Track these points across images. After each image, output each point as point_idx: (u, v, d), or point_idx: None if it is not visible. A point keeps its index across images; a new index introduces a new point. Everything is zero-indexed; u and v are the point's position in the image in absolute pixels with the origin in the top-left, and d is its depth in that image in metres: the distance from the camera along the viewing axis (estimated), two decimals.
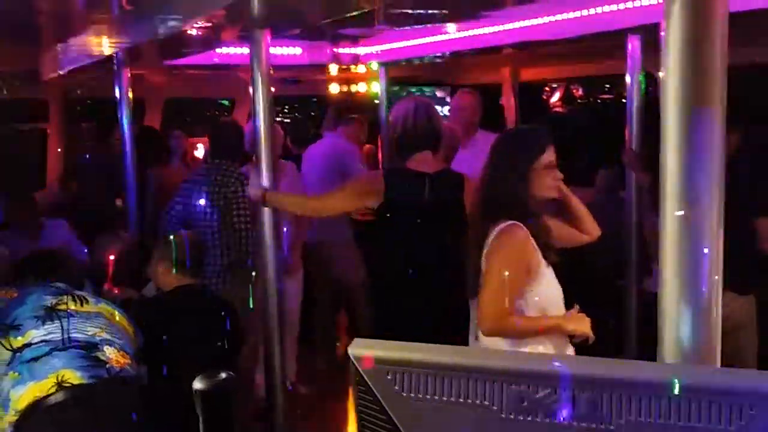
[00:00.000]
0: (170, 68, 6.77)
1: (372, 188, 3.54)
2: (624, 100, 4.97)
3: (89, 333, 2.75)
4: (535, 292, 2.78)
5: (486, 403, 1.07)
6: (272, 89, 3.68)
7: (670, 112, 1.45)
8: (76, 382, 2.58)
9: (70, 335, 2.70)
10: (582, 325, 2.76)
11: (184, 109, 9.73)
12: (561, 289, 2.85)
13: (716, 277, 1.47)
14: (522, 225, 2.76)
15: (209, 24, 4.06)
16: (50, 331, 2.70)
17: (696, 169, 1.44)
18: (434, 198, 3.53)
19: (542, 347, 2.78)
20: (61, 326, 2.72)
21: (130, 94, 5.48)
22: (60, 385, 2.55)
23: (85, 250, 5.05)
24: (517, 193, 2.81)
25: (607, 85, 9.01)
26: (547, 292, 2.82)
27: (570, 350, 2.85)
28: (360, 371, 1.14)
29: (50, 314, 2.74)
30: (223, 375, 1.55)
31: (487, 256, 2.78)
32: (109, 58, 5.28)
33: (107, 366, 2.67)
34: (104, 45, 4.88)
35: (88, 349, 2.69)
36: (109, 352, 2.72)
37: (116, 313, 2.93)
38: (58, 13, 4.17)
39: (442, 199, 3.55)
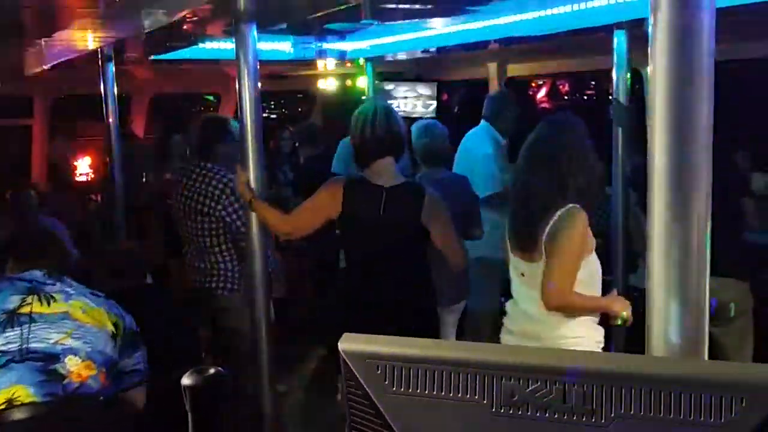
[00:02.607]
0: (157, 64, 6.73)
1: (333, 200, 3.51)
2: (610, 96, 4.98)
3: (51, 341, 2.59)
4: (587, 269, 2.97)
5: (476, 397, 1.07)
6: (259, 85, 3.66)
7: (658, 108, 1.45)
8: (27, 400, 2.43)
9: (29, 345, 2.55)
10: (625, 307, 3.00)
11: (171, 106, 9.68)
12: (601, 270, 3.06)
13: (704, 271, 1.47)
14: (580, 208, 2.94)
15: (195, 18, 4.03)
16: (9, 340, 2.56)
17: (684, 164, 1.44)
18: (388, 213, 3.48)
19: (583, 329, 2.99)
20: (21, 334, 2.57)
21: (116, 90, 5.45)
22: (10, 403, 2.41)
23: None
24: (576, 177, 2.96)
25: (593, 82, 9.05)
26: (592, 271, 3.01)
27: (600, 332, 3.05)
28: (350, 366, 1.14)
29: (11, 319, 2.60)
30: (212, 370, 1.55)
31: (553, 237, 2.93)
32: (94, 53, 5.24)
33: (64, 382, 2.52)
34: (89, 40, 4.84)
35: (47, 361, 2.54)
36: (71, 364, 2.56)
37: (91, 308, 2.75)
38: (42, 8, 4.13)
39: (396, 214, 3.50)
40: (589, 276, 2.98)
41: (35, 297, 2.70)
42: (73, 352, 2.59)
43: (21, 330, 2.58)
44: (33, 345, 2.56)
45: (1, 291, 2.72)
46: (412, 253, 3.59)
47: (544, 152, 3.03)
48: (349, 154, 5.54)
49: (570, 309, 2.97)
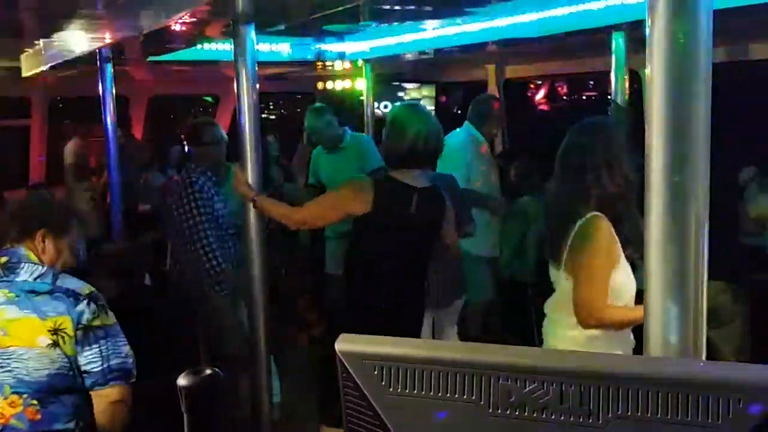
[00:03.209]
0: (155, 65, 6.73)
1: (360, 197, 3.49)
2: (609, 97, 4.99)
3: None
4: (613, 280, 2.81)
5: (473, 397, 1.07)
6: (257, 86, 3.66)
7: (655, 109, 1.45)
8: None
9: None
10: None
11: (169, 107, 9.68)
12: (635, 282, 2.86)
13: (702, 272, 1.47)
14: (602, 215, 2.79)
15: (194, 19, 4.04)
16: None
17: (681, 166, 1.45)
18: (420, 212, 3.52)
19: (617, 341, 2.83)
20: None
21: (114, 91, 5.46)
22: None
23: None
24: (605, 185, 2.80)
25: (590, 82, 9.05)
26: (622, 280, 2.83)
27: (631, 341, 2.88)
28: (346, 366, 1.14)
29: None
30: (208, 371, 1.54)
31: (576, 250, 2.81)
32: (93, 54, 5.24)
33: None
34: (87, 41, 4.84)
35: None
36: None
37: (15, 321, 2.35)
38: (40, 9, 4.13)
39: (426, 214, 3.55)
40: (616, 287, 2.81)
41: None
42: (1, 385, 2.29)
43: None
44: None
45: None
46: (431, 251, 3.67)
47: (573, 159, 2.89)
48: (319, 164, 5.61)
49: (608, 324, 2.81)
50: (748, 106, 5.55)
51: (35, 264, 2.52)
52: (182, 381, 1.55)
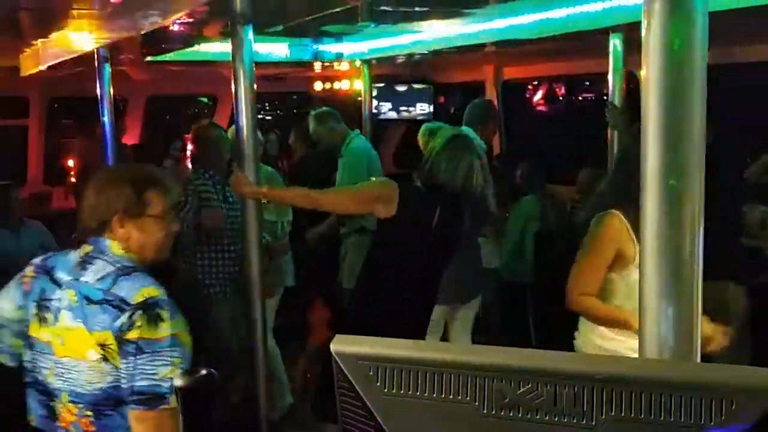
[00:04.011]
0: (153, 65, 6.73)
1: (386, 197, 3.52)
2: (605, 99, 5.00)
3: (45, 373, 2.24)
4: (624, 280, 2.87)
5: (468, 398, 1.07)
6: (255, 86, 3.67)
7: (651, 111, 1.46)
8: None
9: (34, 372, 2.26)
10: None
11: (166, 107, 9.68)
12: None
13: (697, 274, 1.48)
14: (619, 213, 2.85)
15: (192, 20, 4.04)
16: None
17: (677, 167, 1.45)
18: (442, 220, 3.58)
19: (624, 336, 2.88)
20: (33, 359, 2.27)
21: (111, 91, 5.45)
22: None
23: None
24: (622, 184, 2.84)
25: (587, 83, 9.06)
26: (634, 283, 2.84)
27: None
28: (342, 367, 1.14)
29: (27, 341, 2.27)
30: (204, 371, 1.54)
31: (585, 239, 2.96)
32: (91, 54, 5.24)
33: (57, 423, 2.23)
34: (85, 41, 4.84)
35: (51, 396, 2.24)
36: (59, 406, 2.23)
37: (71, 331, 2.18)
38: (39, 9, 4.13)
39: (448, 222, 3.60)
40: (628, 287, 2.84)
41: (37, 309, 2.27)
42: (60, 391, 2.21)
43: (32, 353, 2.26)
44: (41, 376, 2.25)
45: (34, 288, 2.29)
46: (448, 259, 3.76)
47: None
48: (358, 161, 5.62)
49: (582, 313, 2.96)
50: (754, 109, 5.57)
51: (112, 257, 2.25)
52: (178, 381, 1.55)
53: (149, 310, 2.13)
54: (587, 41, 4.94)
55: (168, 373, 2.09)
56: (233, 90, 3.61)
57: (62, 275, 2.26)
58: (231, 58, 3.60)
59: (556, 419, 1.03)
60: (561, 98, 8.79)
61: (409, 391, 1.10)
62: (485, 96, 7.54)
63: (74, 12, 4.06)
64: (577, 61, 6.58)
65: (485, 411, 1.06)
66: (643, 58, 1.47)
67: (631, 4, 4.00)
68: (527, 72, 7.70)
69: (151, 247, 2.32)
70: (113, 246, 2.27)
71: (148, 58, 6.31)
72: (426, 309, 3.75)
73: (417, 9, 4.50)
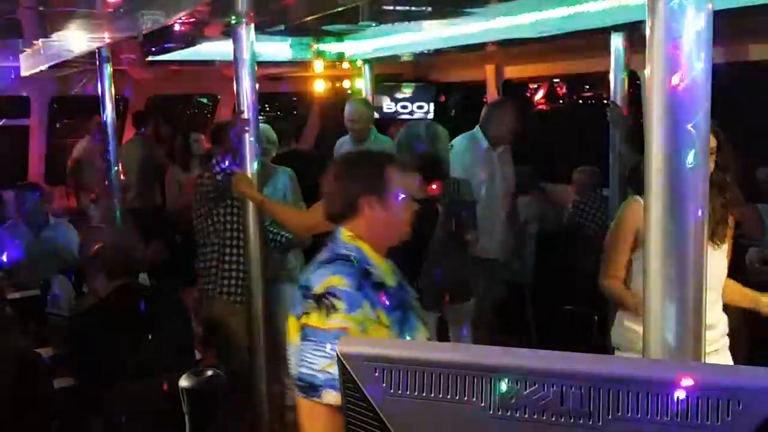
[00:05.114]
0: (154, 65, 6.72)
1: None
2: (605, 99, 4.99)
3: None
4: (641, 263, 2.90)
5: (474, 399, 1.07)
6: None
7: (655, 111, 1.45)
8: None
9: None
10: None
11: (168, 107, 9.65)
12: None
13: (701, 274, 1.48)
14: (640, 199, 2.89)
15: (193, 19, 4.03)
16: None
17: (681, 169, 1.45)
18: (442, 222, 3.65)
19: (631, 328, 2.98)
20: None
21: (113, 91, 5.44)
22: None
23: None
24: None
25: (587, 85, 9.05)
26: None
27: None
28: (347, 368, 1.14)
29: None
30: (209, 372, 1.55)
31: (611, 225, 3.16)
32: (92, 54, 5.23)
33: None
34: (87, 41, 4.84)
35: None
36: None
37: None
38: (39, 8, 4.13)
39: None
40: None
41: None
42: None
43: None
44: None
45: None
46: (420, 259, 3.76)
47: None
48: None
49: (607, 296, 3.11)
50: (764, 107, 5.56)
51: (336, 244, 2.26)
52: (184, 382, 1.55)
53: (324, 299, 2.11)
54: (589, 40, 4.94)
55: (326, 366, 2.02)
56: (235, 90, 3.62)
57: None
58: (233, 58, 3.60)
59: (563, 419, 1.03)
60: (562, 97, 8.78)
61: (414, 391, 1.10)
62: (485, 96, 7.53)
63: (76, 12, 4.06)
64: (578, 60, 6.57)
65: (491, 411, 1.06)
66: (647, 57, 1.46)
67: (632, 4, 3.99)
68: (528, 71, 7.68)
69: (396, 225, 2.32)
70: (343, 233, 2.27)
71: (149, 58, 6.30)
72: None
73: (418, 9, 4.49)
